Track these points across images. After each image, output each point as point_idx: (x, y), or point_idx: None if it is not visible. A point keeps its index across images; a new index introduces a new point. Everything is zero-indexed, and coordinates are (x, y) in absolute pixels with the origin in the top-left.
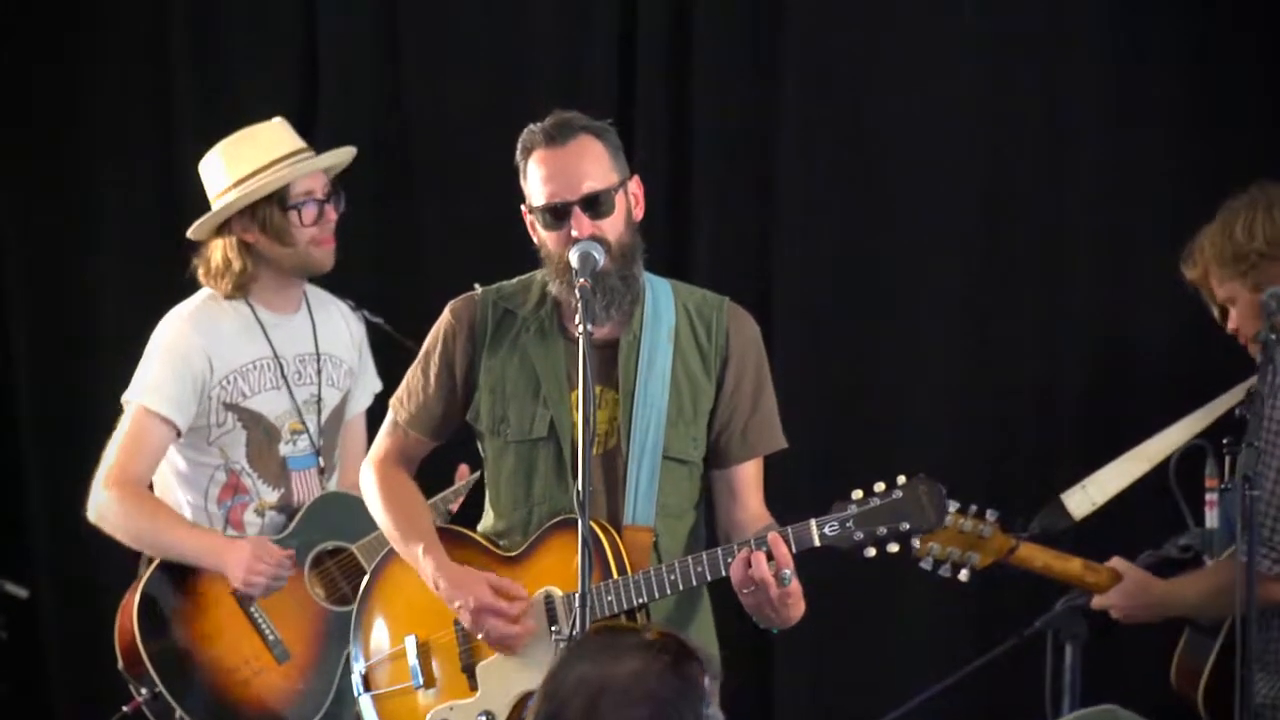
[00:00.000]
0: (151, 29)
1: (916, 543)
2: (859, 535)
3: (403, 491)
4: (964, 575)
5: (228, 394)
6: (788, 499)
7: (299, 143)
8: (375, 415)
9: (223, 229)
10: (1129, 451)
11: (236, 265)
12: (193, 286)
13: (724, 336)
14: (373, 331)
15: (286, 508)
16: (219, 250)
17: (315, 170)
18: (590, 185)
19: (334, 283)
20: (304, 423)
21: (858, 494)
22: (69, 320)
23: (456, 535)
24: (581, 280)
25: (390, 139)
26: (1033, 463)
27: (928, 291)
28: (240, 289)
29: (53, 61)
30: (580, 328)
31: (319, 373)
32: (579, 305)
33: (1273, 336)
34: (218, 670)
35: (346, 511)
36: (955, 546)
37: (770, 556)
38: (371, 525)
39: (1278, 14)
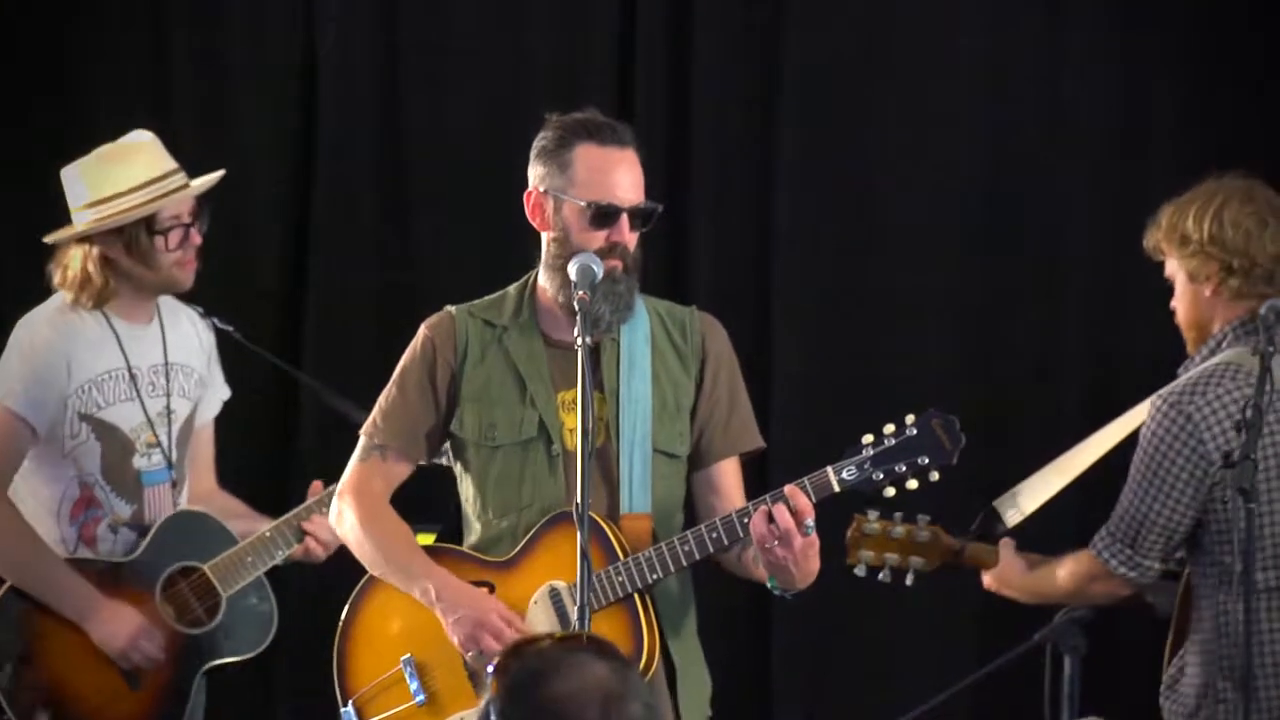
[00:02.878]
0: (151, 35)
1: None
2: (878, 475)
3: (383, 516)
4: (909, 580)
5: (83, 404)
6: None
7: (169, 163)
8: (222, 422)
9: (84, 239)
10: (1055, 460)
11: (97, 280)
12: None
13: (699, 338)
14: (223, 339)
15: (139, 524)
16: (78, 261)
17: (188, 198)
18: (641, 196)
19: (333, 287)
20: (157, 435)
21: (868, 438)
22: None
23: (443, 550)
24: (581, 293)
25: (389, 142)
26: (1032, 465)
27: (927, 294)
28: (99, 301)
29: (52, 62)
30: (579, 340)
31: (169, 383)
32: (578, 317)
33: (1270, 349)
34: (71, 699)
35: (199, 530)
36: (891, 553)
37: (791, 510)
38: (224, 544)
39: (1277, 14)
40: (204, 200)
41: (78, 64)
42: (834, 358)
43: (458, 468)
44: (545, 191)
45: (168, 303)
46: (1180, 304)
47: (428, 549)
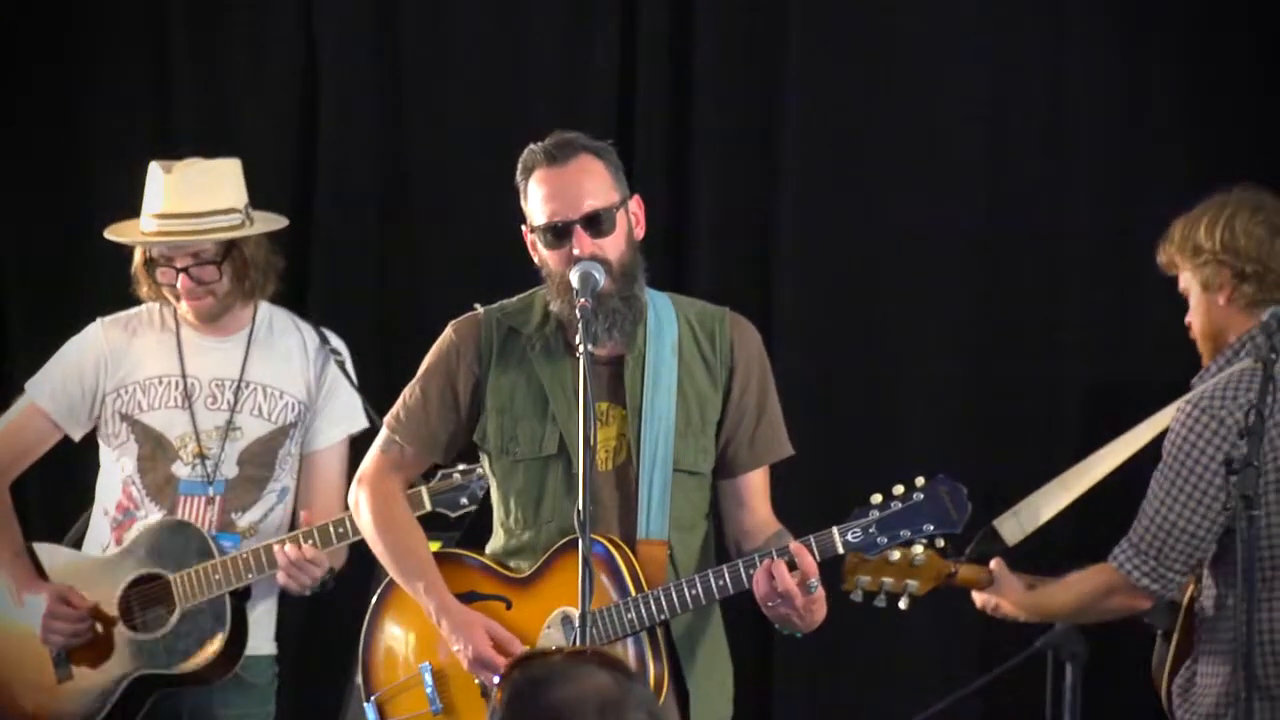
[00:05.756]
0: (151, 35)
1: (852, 583)
2: (882, 540)
3: (397, 517)
4: (903, 604)
5: (124, 404)
6: (788, 504)
7: (209, 204)
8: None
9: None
10: (1059, 477)
11: (142, 287)
12: None
13: (728, 346)
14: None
15: None
16: (137, 265)
17: (164, 247)
18: (591, 204)
19: (335, 298)
20: (205, 448)
21: (877, 498)
22: (65, 326)
23: (464, 559)
24: (582, 300)
25: (389, 143)
26: (1033, 469)
27: (930, 296)
28: (151, 296)
29: (52, 62)
30: (581, 347)
31: (237, 400)
32: (580, 325)
33: (1272, 355)
34: None
35: (180, 541)
36: (887, 576)
37: (793, 566)
38: (200, 559)
39: (1276, 14)
40: (228, 247)
41: (78, 64)
42: (834, 363)
43: (486, 470)
44: (525, 228)
45: (279, 321)
46: (1195, 316)
47: (445, 554)
